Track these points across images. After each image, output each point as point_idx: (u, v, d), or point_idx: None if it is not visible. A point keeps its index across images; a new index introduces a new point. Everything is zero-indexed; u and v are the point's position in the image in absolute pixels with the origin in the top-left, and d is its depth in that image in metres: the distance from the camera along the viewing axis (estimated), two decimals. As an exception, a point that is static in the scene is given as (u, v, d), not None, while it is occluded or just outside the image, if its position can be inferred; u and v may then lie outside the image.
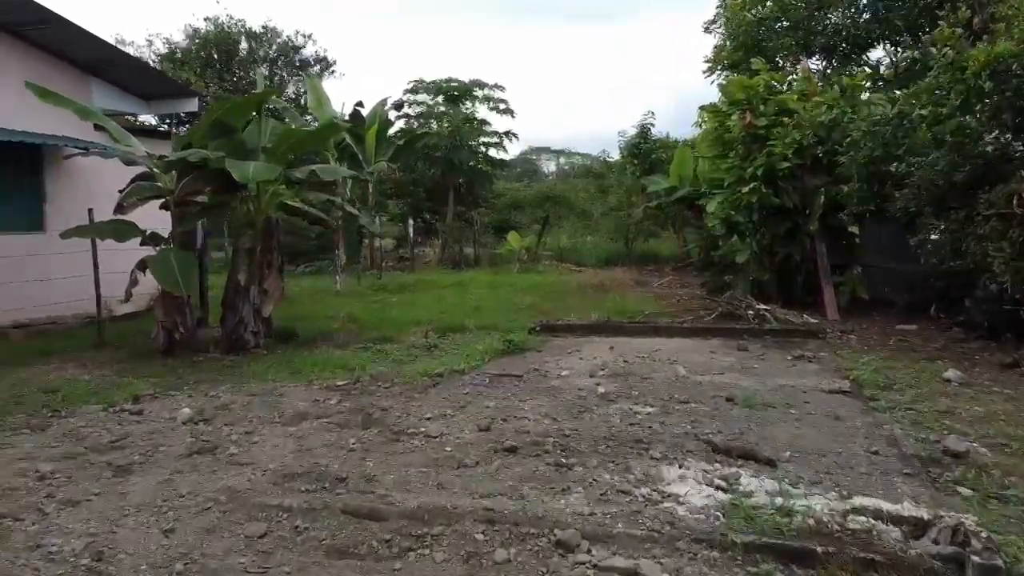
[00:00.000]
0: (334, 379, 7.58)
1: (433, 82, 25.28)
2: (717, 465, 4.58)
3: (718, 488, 4.15)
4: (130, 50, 29.34)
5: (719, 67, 18.87)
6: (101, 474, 4.73)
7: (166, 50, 30.04)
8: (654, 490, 4.11)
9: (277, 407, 6.51)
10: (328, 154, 22.26)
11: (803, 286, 12.26)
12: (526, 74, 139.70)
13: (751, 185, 11.74)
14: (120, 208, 9.03)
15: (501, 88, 25.64)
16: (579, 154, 47.53)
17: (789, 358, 8.37)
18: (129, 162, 9.57)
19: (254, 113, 9.57)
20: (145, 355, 9.13)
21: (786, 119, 11.66)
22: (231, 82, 29.57)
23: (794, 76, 13.20)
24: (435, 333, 10.49)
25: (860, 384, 7.02)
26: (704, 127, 17.35)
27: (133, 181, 9.39)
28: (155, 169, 9.45)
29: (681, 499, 3.98)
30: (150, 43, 30.20)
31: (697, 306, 12.71)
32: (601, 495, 4.06)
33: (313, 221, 10.80)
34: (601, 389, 6.83)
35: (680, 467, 4.51)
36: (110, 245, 9.55)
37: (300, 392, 7.10)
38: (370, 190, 22.53)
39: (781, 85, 12.83)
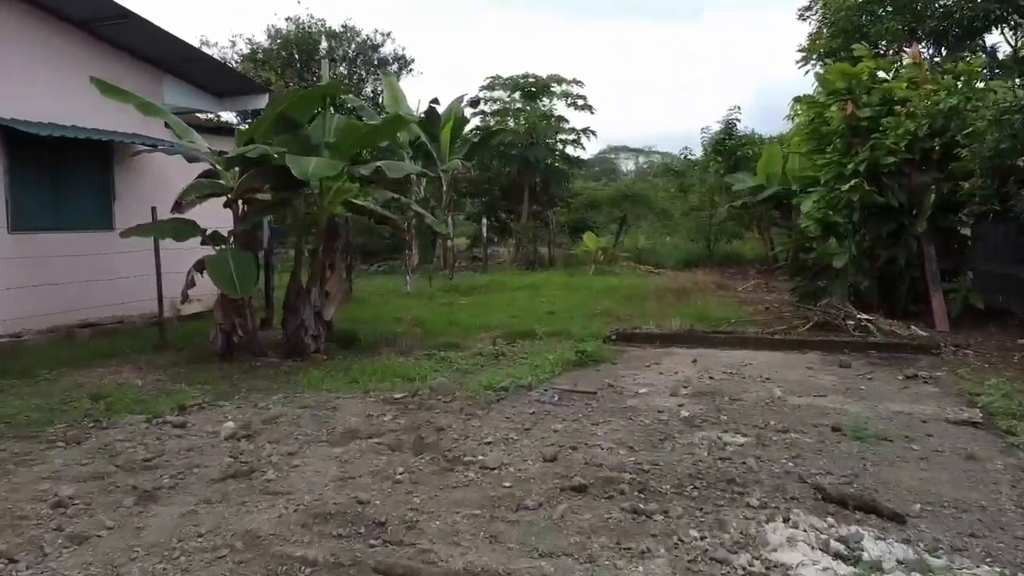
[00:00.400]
0: (392, 391, 7.04)
1: (510, 78, 24.63)
2: (831, 520, 3.76)
3: (836, 555, 3.33)
4: (214, 51, 29.88)
5: (814, 56, 17.53)
6: (122, 501, 4.26)
7: (248, 50, 30.39)
8: (756, 558, 3.31)
9: (327, 423, 5.99)
10: (404, 152, 22.04)
11: (907, 293, 11.10)
12: (605, 73, 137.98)
13: (852, 182, 10.64)
14: (178, 206, 8.73)
15: (580, 83, 24.79)
16: (658, 153, 46.17)
17: (900, 378, 7.35)
18: (192, 159, 9.29)
19: (319, 108, 9.15)
20: (203, 358, 8.82)
21: (899, 107, 10.49)
22: (311, 82, 29.74)
23: (901, 63, 11.97)
24: (504, 340, 9.90)
25: (991, 413, 6.01)
26: (796, 120, 16.20)
27: (198, 179, 9.10)
28: (218, 166, 9.14)
29: (791, 572, 3.19)
30: (233, 44, 30.60)
31: (788, 314, 11.69)
32: (690, 562, 3.29)
33: (380, 221, 10.31)
34: (684, 412, 6.03)
35: (786, 523, 3.69)
36: (177, 244, 9.27)
37: (354, 405, 6.57)
38: (444, 188, 22.13)
39: (887, 73, 11.67)
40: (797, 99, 13.66)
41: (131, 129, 10.93)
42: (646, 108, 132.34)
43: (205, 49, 28.14)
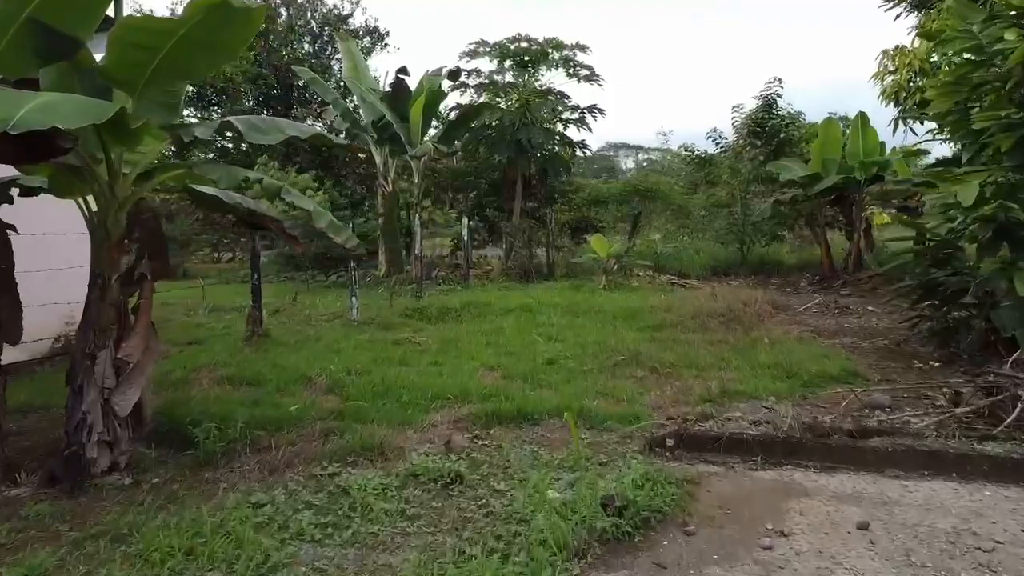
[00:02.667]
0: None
1: (497, 44, 20.05)
2: None
3: None
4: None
5: (907, -1, 13.02)
6: None
7: (194, 22, 25.96)
8: None
9: None
10: (367, 136, 17.68)
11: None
12: (604, 71, 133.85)
13: (1051, 156, 6.35)
14: None
15: (584, 49, 20.14)
16: (659, 150, 41.53)
17: None
18: None
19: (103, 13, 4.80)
20: None
21: None
22: (274, 64, 25.40)
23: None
24: (470, 428, 5.67)
25: None
26: (887, 80, 11.86)
27: None
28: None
29: None
30: (172, 12, 26.17)
31: (930, 368, 7.37)
32: None
33: (252, 223, 5.98)
34: None
35: None
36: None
37: None
38: (416, 180, 17.81)
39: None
40: (925, 35, 9.21)
41: None
42: (645, 107, 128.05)
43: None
